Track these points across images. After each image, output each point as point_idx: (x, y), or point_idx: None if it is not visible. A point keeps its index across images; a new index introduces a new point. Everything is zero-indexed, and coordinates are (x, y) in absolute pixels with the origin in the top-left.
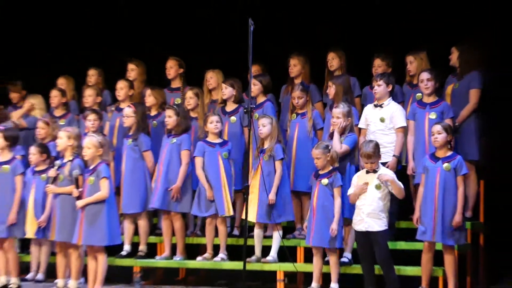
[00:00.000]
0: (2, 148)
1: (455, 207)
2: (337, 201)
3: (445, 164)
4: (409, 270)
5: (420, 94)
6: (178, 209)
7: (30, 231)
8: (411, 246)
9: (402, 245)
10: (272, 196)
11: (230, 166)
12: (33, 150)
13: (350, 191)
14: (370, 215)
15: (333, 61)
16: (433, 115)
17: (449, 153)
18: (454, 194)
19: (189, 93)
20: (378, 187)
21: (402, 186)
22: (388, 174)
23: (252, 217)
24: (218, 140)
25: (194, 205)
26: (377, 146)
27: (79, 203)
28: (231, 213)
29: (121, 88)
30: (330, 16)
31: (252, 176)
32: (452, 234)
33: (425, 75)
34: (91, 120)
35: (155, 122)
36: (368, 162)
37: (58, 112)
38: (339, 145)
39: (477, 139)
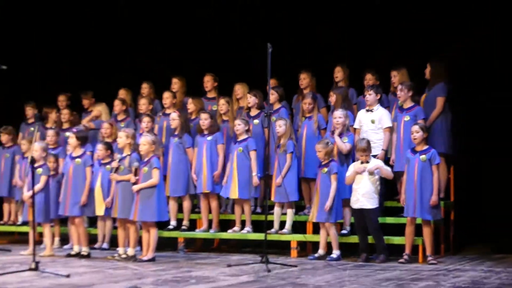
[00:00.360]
0: (75, 146)
1: (431, 189)
2: (333, 185)
3: (422, 156)
4: (396, 240)
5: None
6: (219, 191)
7: (98, 210)
8: (397, 221)
9: (390, 220)
10: (279, 180)
11: (245, 158)
12: (99, 146)
13: (347, 174)
14: (364, 196)
15: (338, 73)
16: (407, 118)
17: (425, 147)
18: (430, 180)
19: (222, 101)
20: (370, 173)
21: (389, 169)
22: (376, 163)
23: (273, 197)
24: (240, 138)
25: (229, 189)
26: (368, 142)
27: (135, 188)
28: (236, 196)
29: (167, 98)
30: (333, 37)
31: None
32: (429, 211)
33: (399, 87)
34: (145, 122)
35: (191, 124)
36: (363, 155)
37: (119, 117)
38: (343, 145)
39: (445, 135)
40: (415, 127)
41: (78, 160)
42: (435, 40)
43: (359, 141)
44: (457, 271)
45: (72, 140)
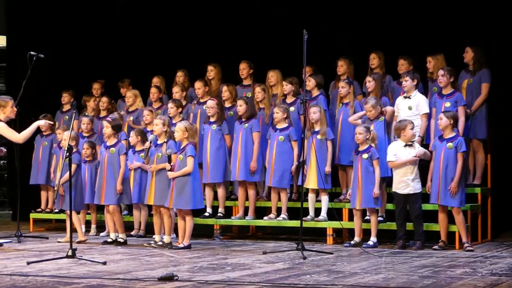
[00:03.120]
0: (109, 135)
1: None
2: (377, 170)
3: (448, 144)
4: (434, 226)
5: (436, 87)
6: (254, 179)
7: (135, 197)
8: (434, 207)
9: (427, 206)
10: (327, 168)
11: (285, 147)
12: (133, 133)
13: (390, 158)
14: (414, 181)
15: (374, 60)
16: (447, 104)
17: (453, 134)
18: (455, 167)
19: (257, 89)
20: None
21: (428, 152)
22: (422, 148)
23: (312, 184)
24: (281, 126)
25: (266, 176)
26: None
27: (170, 174)
28: (272, 184)
29: (199, 88)
30: (371, 23)
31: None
32: (454, 198)
33: (440, 72)
34: (169, 108)
35: (231, 112)
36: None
37: (155, 105)
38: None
39: (486, 122)
40: (440, 114)
41: (112, 149)
42: (450, 41)
43: (401, 122)
44: (494, 258)
45: (108, 129)
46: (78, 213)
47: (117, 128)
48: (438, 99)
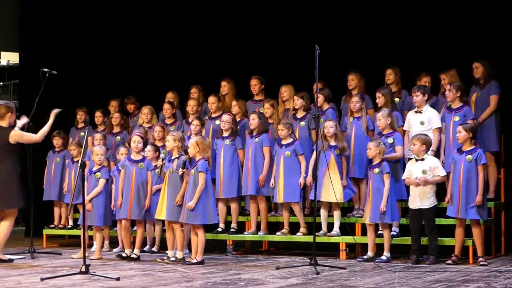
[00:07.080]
0: (139, 150)
1: (476, 189)
2: (386, 185)
3: (468, 156)
4: (446, 241)
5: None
6: (264, 193)
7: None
8: (448, 222)
9: (439, 221)
10: (344, 181)
11: (293, 162)
12: (149, 147)
13: (404, 176)
14: (421, 196)
15: (390, 76)
16: (456, 118)
17: (472, 147)
18: (476, 180)
19: (266, 105)
20: (424, 172)
21: (438, 176)
22: (424, 177)
23: (332, 198)
24: (286, 141)
25: (274, 193)
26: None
27: (190, 207)
28: (282, 200)
29: (213, 103)
30: (384, 37)
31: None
32: (475, 211)
33: (447, 87)
34: (194, 125)
35: (237, 127)
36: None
37: (168, 120)
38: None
39: (497, 134)
40: (459, 128)
41: (141, 164)
42: (480, 37)
43: (411, 138)
44: (508, 272)
45: (137, 144)
46: (102, 229)
47: (144, 144)
48: (447, 113)
